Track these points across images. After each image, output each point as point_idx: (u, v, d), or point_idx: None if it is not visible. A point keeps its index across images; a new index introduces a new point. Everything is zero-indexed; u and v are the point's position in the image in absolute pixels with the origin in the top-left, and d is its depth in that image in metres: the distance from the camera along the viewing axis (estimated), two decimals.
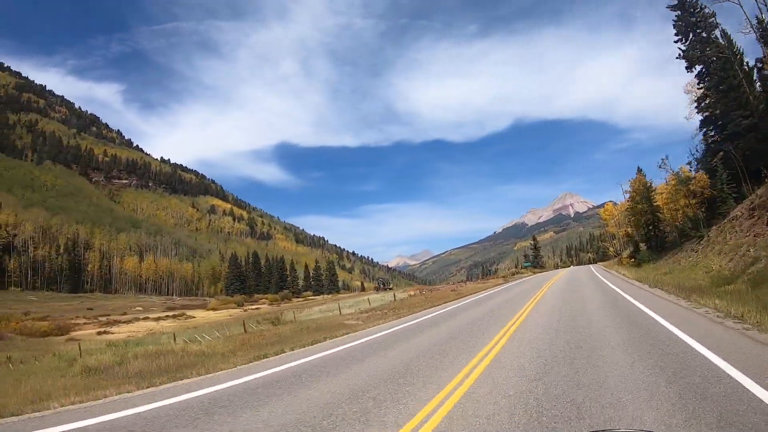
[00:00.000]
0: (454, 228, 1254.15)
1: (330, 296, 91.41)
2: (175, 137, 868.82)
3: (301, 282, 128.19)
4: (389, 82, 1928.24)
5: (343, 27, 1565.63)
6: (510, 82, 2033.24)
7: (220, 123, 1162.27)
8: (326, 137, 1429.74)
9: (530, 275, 59.58)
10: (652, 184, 47.48)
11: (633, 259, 46.29)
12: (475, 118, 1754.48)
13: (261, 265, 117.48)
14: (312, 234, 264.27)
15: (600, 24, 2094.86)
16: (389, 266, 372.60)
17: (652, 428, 3.11)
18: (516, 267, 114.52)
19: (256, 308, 70.22)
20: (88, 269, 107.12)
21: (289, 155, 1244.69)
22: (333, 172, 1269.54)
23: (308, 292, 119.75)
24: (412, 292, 44.15)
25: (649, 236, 46.78)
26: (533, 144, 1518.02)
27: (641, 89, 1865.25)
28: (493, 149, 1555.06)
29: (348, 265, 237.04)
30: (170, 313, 65.67)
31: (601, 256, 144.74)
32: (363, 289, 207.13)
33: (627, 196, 58.58)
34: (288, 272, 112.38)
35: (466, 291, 29.75)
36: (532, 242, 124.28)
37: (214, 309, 76.05)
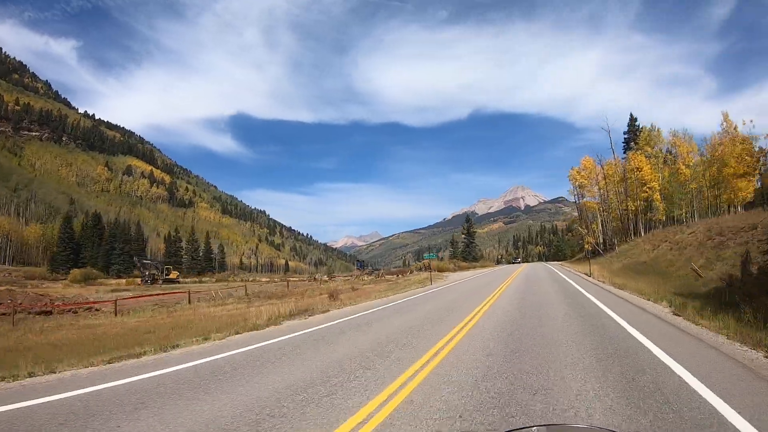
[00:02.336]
0: (405, 212, 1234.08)
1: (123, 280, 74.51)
2: (130, 100, 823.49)
3: (158, 257, 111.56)
4: (353, 60, 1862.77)
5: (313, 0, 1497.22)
6: (476, 71, 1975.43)
7: (177, 89, 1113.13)
8: (283, 111, 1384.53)
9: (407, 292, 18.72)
10: None
11: None
12: (436, 104, 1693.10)
13: (105, 233, 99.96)
14: (251, 207, 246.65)
15: (570, 24, 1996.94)
16: (335, 246, 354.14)
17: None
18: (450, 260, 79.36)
19: None
20: None
21: (244, 126, 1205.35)
22: (287, 147, 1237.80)
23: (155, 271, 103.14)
24: None
25: None
26: (491, 135, 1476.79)
27: (602, 92, 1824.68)
28: (451, 136, 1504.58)
29: (277, 242, 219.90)
30: None
31: (554, 252, 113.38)
32: (287, 269, 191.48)
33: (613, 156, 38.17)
34: (119, 245, 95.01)
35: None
36: (465, 225, 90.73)
37: None
